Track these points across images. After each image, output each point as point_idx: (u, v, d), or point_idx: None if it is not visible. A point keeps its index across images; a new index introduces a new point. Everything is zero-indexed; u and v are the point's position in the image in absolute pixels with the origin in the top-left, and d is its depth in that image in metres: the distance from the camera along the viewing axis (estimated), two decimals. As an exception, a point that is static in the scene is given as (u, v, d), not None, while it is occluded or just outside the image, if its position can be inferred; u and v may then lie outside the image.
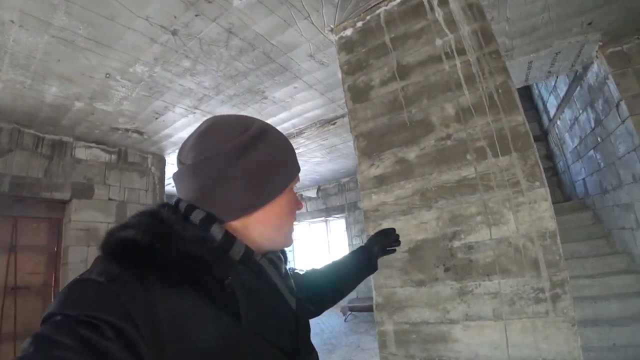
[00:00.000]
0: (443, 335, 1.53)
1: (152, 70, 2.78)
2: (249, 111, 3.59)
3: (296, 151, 6.05)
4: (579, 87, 3.73)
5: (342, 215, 7.69)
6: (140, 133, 4.08)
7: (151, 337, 0.35)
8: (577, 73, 3.65)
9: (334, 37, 2.33)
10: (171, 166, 5.33)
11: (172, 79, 2.92)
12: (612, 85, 3.03)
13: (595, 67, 3.25)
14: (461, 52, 1.74)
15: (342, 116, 4.09)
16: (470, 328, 1.47)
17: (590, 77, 3.38)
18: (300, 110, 3.81)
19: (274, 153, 0.50)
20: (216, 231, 0.46)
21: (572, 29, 2.76)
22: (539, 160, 1.44)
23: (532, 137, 1.49)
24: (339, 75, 2.24)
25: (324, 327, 5.91)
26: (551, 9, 2.47)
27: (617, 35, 2.93)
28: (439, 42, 1.82)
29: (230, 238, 0.46)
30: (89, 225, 3.96)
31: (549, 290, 1.33)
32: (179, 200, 0.49)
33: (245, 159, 0.47)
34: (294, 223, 0.56)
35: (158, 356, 0.35)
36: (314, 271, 0.81)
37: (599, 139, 3.53)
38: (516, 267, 1.40)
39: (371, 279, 1.67)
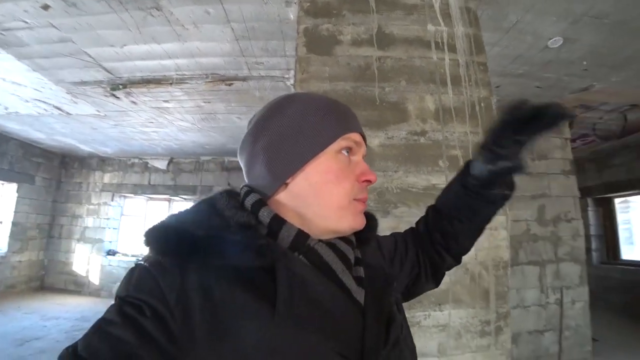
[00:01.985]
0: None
1: None
2: (125, 17, 2.34)
3: (165, 106, 4.49)
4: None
5: (192, 197, 6.53)
6: None
7: (182, 319, 0.36)
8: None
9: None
10: None
11: None
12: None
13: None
14: (452, 49, 1.54)
15: (244, 79, 3.35)
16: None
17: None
18: (196, 49, 2.83)
19: (289, 123, 0.47)
20: (264, 215, 0.45)
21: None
22: (503, 187, 1.36)
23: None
24: (280, 21, 1.64)
25: None
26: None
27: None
28: (431, 27, 1.57)
29: (278, 221, 0.45)
30: None
31: (494, 323, 1.21)
32: (243, 185, 0.51)
33: (261, 134, 0.48)
34: (353, 198, 0.47)
35: (189, 339, 0.35)
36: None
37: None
38: (469, 296, 1.22)
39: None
